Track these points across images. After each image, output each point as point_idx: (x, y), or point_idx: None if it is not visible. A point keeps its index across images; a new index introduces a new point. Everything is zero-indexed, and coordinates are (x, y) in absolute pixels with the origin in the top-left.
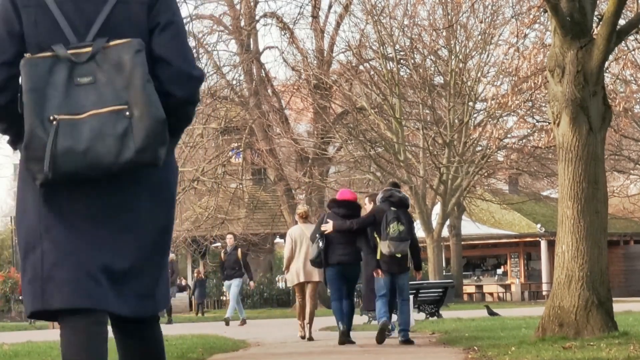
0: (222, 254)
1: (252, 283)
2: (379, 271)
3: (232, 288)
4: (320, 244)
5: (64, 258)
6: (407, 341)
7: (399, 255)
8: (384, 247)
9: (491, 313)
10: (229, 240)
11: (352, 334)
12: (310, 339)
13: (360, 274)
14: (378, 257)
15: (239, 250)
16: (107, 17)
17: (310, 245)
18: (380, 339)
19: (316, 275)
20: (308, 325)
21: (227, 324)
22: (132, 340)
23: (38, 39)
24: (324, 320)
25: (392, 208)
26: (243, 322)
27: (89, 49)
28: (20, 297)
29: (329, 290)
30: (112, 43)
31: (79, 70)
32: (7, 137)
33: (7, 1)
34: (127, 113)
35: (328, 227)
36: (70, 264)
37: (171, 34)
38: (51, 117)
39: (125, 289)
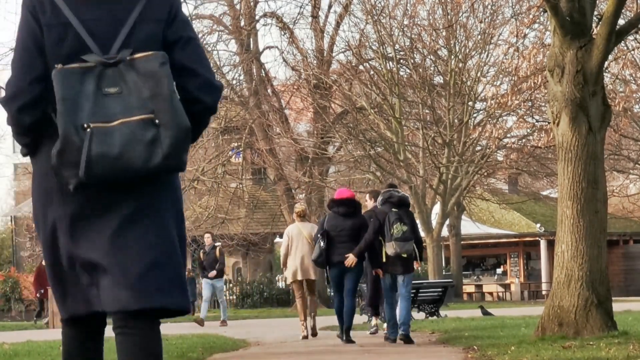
0: (201, 254)
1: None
2: (380, 271)
3: (219, 289)
4: (322, 243)
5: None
6: (407, 337)
7: (404, 255)
8: (389, 248)
9: (485, 313)
10: (207, 239)
11: (351, 333)
12: (315, 334)
13: (362, 273)
14: (383, 258)
15: (217, 248)
16: (128, 33)
17: (307, 244)
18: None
19: (312, 273)
20: (312, 320)
21: (226, 323)
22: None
23: (64, 54)
24: (324, 320)
25: (394, 209)
26: (224, 323)
27: (117, 58)
28: (19, 297)
29: (329, 290)
30: (136, 55)
31: (107, 80)
32: (23, 147)
33: (32, 21)
34: (157, 121)
35: (350, 261)
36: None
37: (195, 47)
38: (85, 125)
39: (149, 282)
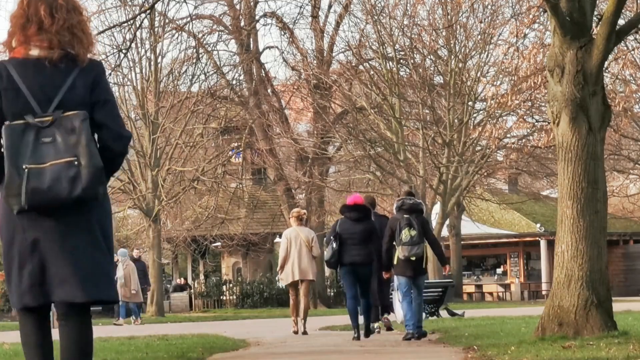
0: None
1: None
2: (388, 274)
3: None
4: (334, 245)
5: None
6: (419, 334)
7: (413, 258)
8: (399, 252)
9: (452, 314)
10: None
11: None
12: (305, 333)
13: (373, 273)
14: (395, 261)
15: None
16: (62, 96)
17: (304, 247)
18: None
19: (310, 274)
20: (303, 320)
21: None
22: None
23: (14, 111)
24: (325, 320)
25: (405, 215)
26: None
27: (50, 118)
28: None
29: (329, 291)
30: (66, 114)
31: (43, 133)
32: None
33: None
34: (77, 163)
35: (386, 276)
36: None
37: (109, 107)
38: (24, 167)
39: (87, 279)
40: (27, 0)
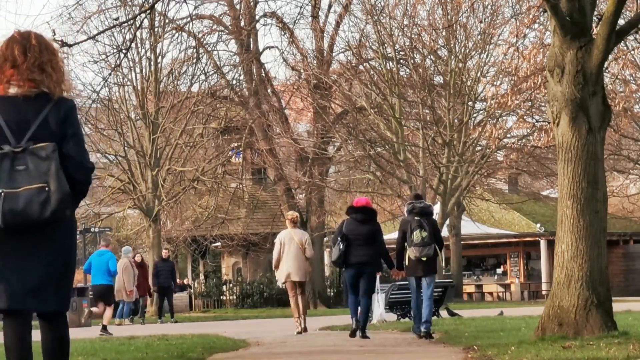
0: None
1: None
2: (399, 273)
3: None
4: (341, 246)
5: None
6: (428, 334)
7: (424, 259)
8: (410, 252)
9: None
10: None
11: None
12: (305, 329)
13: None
14: (406, 262)
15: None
16: (35, 129)
17: (298, 249)
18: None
19: (302, 275)
20: (303, 317)
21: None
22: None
23: None
24: (325, 320)
25: (416, 217)
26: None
27: (22, 147)
28: None
29: (329, 291)
30: (37, 145)
31: (17, 161)
32: None
33: None
34: (47, 189)
35: (396, 275)
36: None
37: (75, 141)
38: (0, 191)
39: (40, 293)
40: (6, 44)
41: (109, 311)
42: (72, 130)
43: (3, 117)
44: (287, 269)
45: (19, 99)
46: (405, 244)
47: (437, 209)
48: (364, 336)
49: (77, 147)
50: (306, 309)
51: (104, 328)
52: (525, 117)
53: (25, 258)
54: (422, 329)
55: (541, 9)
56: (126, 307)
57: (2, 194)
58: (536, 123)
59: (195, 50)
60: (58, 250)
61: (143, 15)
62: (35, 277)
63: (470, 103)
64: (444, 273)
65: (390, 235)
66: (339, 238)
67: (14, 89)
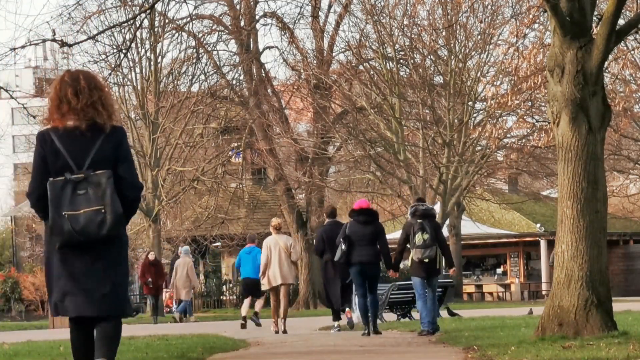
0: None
1: None
2: (394, 273)
3: None
4: (344, 246)
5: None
6: (435, 330)
7: (426, 260)
8: (413, 254)
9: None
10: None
11: (352, 332)
12: (285, 332)
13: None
14: (410, 263)
15: None
16: (92, 157)
17: (283, 253)
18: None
19: (290, 278)
20: (283, 320)
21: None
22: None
23: (55, 169)
24: (325, 320)
25: (419, 220)
26: None
27: (83, 175)
28: (19, 297)
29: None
30: (95, 172)
31: (78, 186)
32: (41, 216)
33: (41, 149)
34: (103, 211)
35: (393, 275)
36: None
37: (127, 164)
38: (64, 213)
39: (101, 300)
40: (59, 86)
41: (259, 302)
42: (124, 154)
43: (65, 147)
44: (273, 274)
45: (76, 132)
46: (408, 245)
47: (437, 209)
48: (376, 331)
49: (129, 169)
50: (287, 311)
51: (255, 314)
52: (525, 117)
53: (86, 271)
54: (426, 328)
55: (541, 9)
56: (185, 305)
57: (66, 216)
58: (536, 123)
59: (195, 50)
60: (113, 263)
61: (143, 15)
62: (95, 288)
63: (470, 103)
64: (443, 273)
65: (390, 235)
66: (341, 239)
67: (71, 121)
